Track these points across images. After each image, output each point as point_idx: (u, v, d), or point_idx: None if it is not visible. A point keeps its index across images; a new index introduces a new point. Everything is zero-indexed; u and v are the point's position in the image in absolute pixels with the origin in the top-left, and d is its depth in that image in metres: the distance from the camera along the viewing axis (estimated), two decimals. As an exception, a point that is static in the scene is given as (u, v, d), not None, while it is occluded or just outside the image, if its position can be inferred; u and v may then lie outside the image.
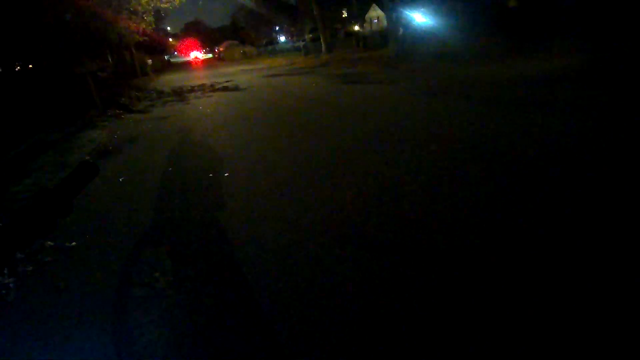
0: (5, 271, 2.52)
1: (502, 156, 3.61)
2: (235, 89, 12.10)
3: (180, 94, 12.41)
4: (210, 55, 51.70)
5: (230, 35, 50.62)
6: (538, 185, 2.92)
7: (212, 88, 12.91)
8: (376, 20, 34.33)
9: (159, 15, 22.02)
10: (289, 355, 1.65)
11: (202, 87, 13.49)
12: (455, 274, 2.01)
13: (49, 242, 2.86)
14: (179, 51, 63.16)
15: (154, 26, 18.54)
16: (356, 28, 33.50)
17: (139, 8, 15.14)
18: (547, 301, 1.75)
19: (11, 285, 2.41)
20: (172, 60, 50.41)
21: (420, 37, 16.16)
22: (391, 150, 4.16)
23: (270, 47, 38.97)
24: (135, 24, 15.88)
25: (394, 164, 3.77)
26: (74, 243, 2.88)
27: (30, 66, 15.02)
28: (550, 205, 2.59)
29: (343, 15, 38.36)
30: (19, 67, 16.23)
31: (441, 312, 1.77)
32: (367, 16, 36.55)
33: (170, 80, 19.40)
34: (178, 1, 15.03)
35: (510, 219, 2.48)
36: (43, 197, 0.70)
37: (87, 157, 5.51)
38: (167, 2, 15.10)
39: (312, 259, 2.31)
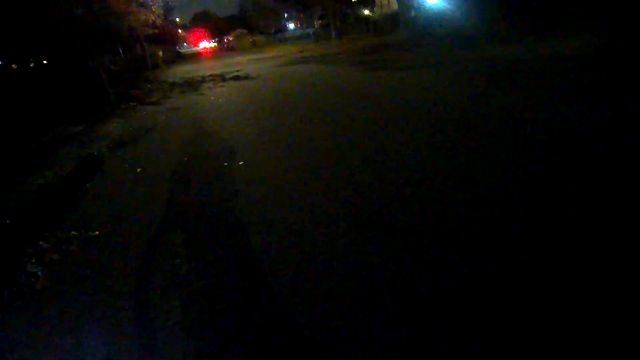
0: (33, 260, 2.61)
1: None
2: (246, 78, 12.08)
3: (191, 84, 12.47)
4: (216, 45, 51.67)
5: (239, 25, 50.26)
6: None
7: (223, 78, 12.92)
8: (386, 3, 33.55)
9: (167, 7, 22.03)
10: (307, 340, 1.67)
11: (213, 77, 13.51)
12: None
13: (73, 232, 2.94)
14: (189, 42, 63.18)
15: (162, 18, 18.58)
16: (366, 12, 32.83)
17: (148, 0, 15.18)
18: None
19: (39, 273, 2.50)
20: (182, 51, 50.51)
21: (432, 20, 15.76)
22: (417, 155, 4.10)
23: (279, 35, 38.63)
24: (144, 16, 15.95)
25: (427, 170, 3.72)
26: (97, 232, 2.96)
27: (45, 62, 15.28)
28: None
29: (352, 0, 37.59)
30: (33, 64, 16.54)
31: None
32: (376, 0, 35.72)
33: (182, 71, 19.46)
34: (186, -9, 14.96)
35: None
36: (50, 190, 0.71)
37: (104, 150, 5.61)
38: (175, -7, 15.07)
39: (327, 249, 2.33)
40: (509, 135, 3.68)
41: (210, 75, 14.28)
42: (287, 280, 2.06)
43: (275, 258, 2.28)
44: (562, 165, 2.85)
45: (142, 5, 15.92)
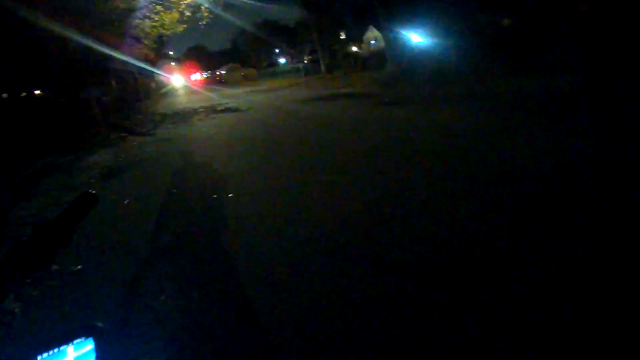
0: (11, 296, 2.51)
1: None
2: (237, 110, 12.28)
3: (182, 116, 12.60)
4: (209, 78, 52.89)
5: (231, 59, 51.68)
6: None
7: (214, 110, 13.11)
8: (374, 41, 35.08)
9: (161, 41, 22.57)
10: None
11: (204, 109, 13.69)
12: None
13: (55, 266, 2.85)
14: (182, 74, 64.34)
15: (156, 51, 19.00)
16: (354, 49, 34.20)
17: (143, 35, 15.56)
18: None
19: (16, 310, 2.40)
20: (174, 83, 51.33)
21: (417, 57, 16.48)
22: (388, 179, 4.18)
23: (270, 69, 39.76)
24: (138, 50, 16.30)
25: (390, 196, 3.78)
26: (79, 267, 2.87)
27: (37, 92, 15.32)
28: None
29: (341, 37, 39.25)
30: (25, 94, 16.56)
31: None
32: (364, 37, 37.37)
33: (173, 102, 19.70)
34: (180, 28, 15.41)
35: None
36: (43, 229, 0.71)
37: (92, 181, 5.56)
38: (169, 29, 15.50)
39: (315, 283, 2.31)
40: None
41: (201, 107, 14.47)
42: (276, 317, 2.02)
43: (264, 295, 2.24)
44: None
45: (135, 39, 16.28)
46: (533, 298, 1.87)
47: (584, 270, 2.04)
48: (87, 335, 0.57)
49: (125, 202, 4.36)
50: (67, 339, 0.56)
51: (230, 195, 4.07)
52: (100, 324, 0.58)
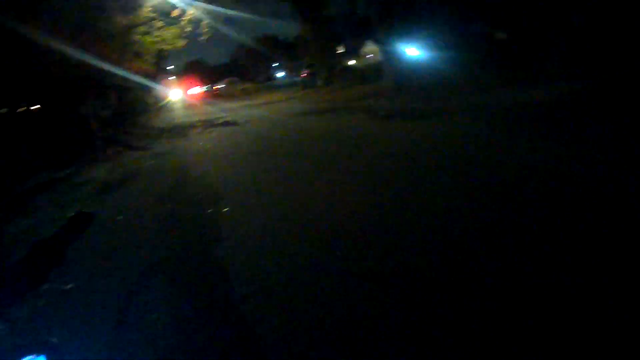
0: (-2, 318, 2.46)
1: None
2: (235, 124, 12.32)
3: (180, 129, 12.64)
4: (207, 91, 53.43)
5: (230, 73, 52.19)
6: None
7: (212, 124, 13.14)
8: (371, 55, 35.53)
9: (161, 56, 22.81)
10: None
11: (202, 123, 13.74)
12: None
13: (44, 285, 2.81)
14: (181, 88, 64.85)
15: (155, 66, 19.21)
16: (352, 62, 34.61)
17: (143, 50, 15.76)
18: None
19: (2, 333, 2.34)
20: (173, 97, 51.69)
21: (414, 70, 16.65)
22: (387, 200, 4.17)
23: (269, 83, 40.12)
24: (138, 65, 16.48)
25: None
26: (70, 285, 2.83)
27: (36, 107, 15.42)
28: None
29: (339, 51, 39.76)
30: (23, 108, 16.65)
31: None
32: (362, 51, 37.89)
33: (171, 116, 19.80)
34: (181, 43, 15.60)
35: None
36: (39, 247, 0.71)
37: (87, 197, 5.53)
38: (170, 45, 15.69)
39: (312, 298, 2.27)
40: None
41: (199, 121, 14.52)
42: (271, 335, 1.97)
43: (258, 311, 2.19)
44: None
45: (136, 54, 16.46)
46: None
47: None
48: (38, 352, 0.54)
49: (119, 218, 4.33)
50: (17, 356, 0.53)
51: (225, 209, 4.04)
52: (54, 340, 0.56)
